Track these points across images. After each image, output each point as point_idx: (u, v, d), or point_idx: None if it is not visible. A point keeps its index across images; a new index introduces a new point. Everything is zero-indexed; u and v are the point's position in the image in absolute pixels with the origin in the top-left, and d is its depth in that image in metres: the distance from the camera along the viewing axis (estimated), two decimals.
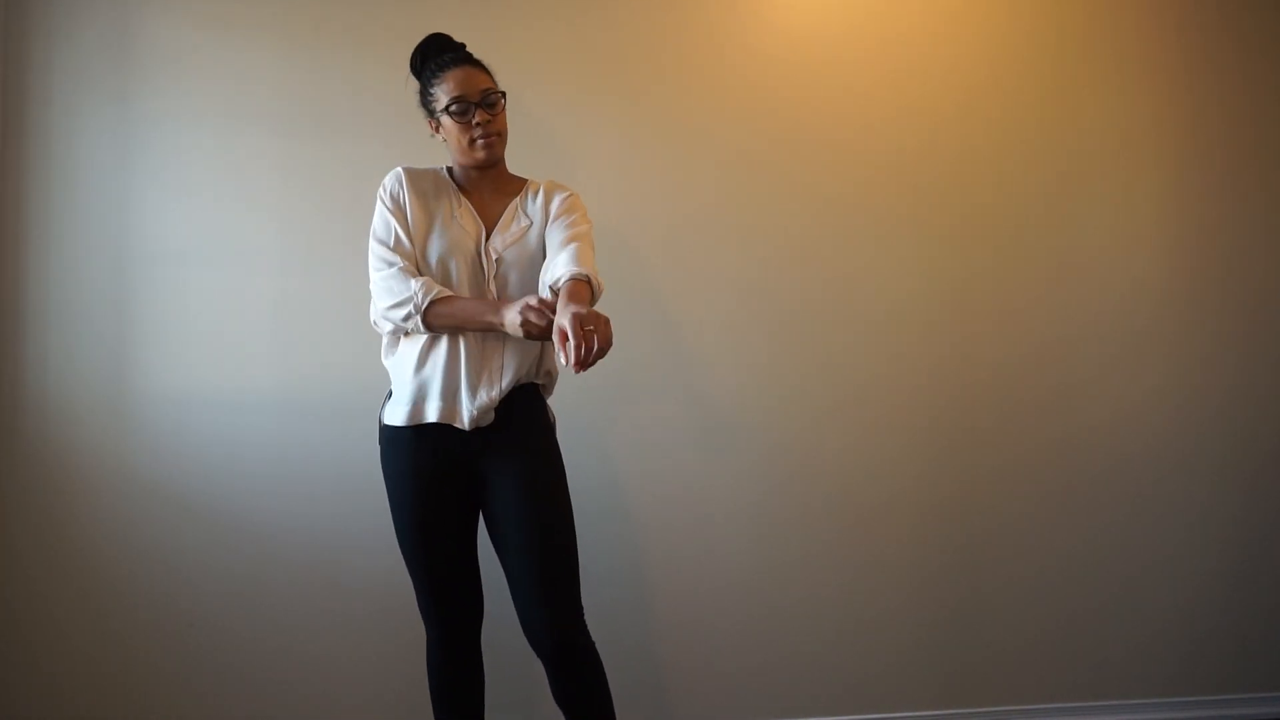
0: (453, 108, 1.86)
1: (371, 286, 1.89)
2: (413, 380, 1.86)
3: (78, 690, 2.31)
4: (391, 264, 1.85)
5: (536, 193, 1.98)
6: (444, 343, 1.85)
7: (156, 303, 2.35)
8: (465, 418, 1.83)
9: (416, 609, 2.39)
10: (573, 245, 1.84)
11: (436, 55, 1.94)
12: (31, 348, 2.32)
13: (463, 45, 1.98)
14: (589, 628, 1.87)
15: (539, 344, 1.89)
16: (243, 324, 2.37)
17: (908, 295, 2.60)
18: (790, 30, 2.58)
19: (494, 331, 1.82)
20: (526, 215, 1.94)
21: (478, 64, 1.93)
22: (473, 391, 1.83)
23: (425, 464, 1.87)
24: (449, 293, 1.83)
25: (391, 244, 1.87)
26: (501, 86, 1.92)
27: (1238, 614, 2.71)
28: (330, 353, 2.39)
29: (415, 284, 1.81)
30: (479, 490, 1.90)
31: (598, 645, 1.88)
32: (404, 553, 1.94)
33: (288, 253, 2.39)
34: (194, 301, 2.36)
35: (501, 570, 1.92)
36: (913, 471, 2.60)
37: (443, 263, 1.87)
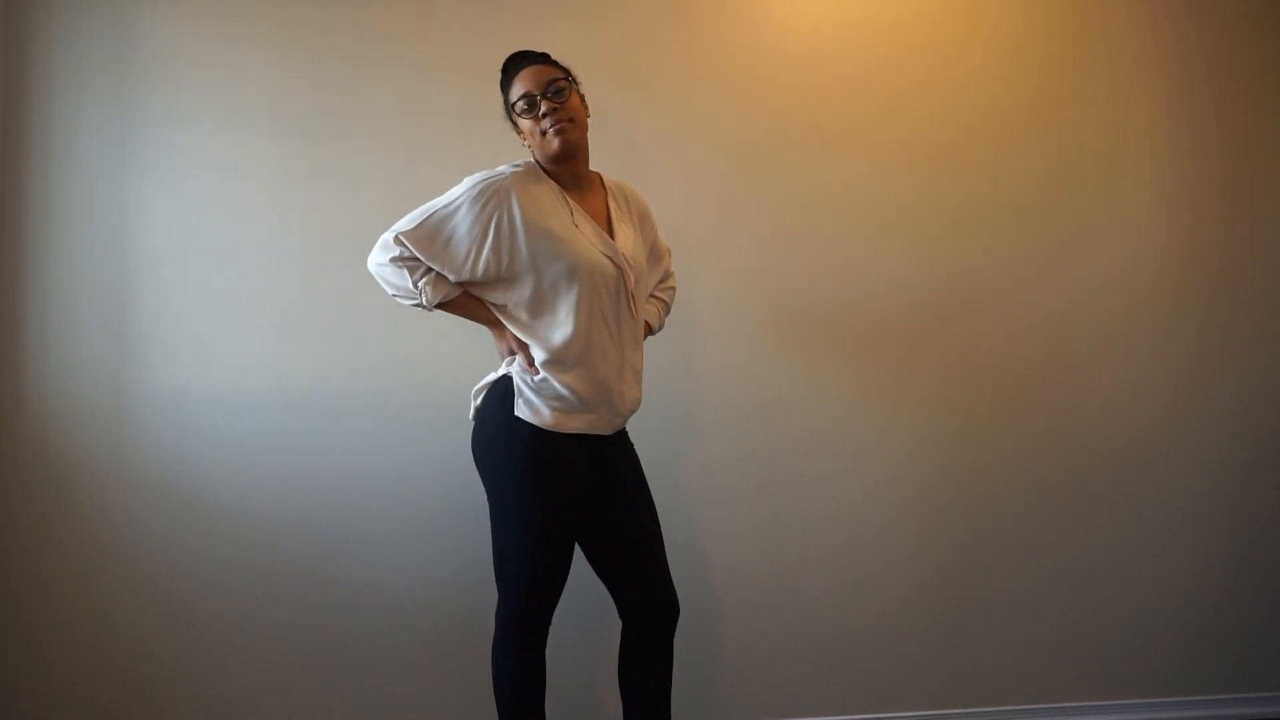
0: (519, 104, 1.88)
1: (377, 251, 1.88)
2: (561, 389, 1.86)
3: (80, 689, 2.31)
4: (408, 258, 1.83)
5: (621, 194, 2.06)
6: (585, 354, 1.86)
7: (156, 303, 2.35)
8: (617, 423, 1.93)
9: (415, 608, 2.40)
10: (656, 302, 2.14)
11: (510, 66, 1.95)
12: (31, 348, 2.32)
13: (545, 55, 1.97)
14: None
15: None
16: (243, 324, 2.37)
17: (905, 291, 2.60)
18: (782, 20, 2.58)
19: (634, 339, 1.94)
20: (627, 220, 2.02)
21: (547, 62, 1.93)
22: (621, 399, 1.92)
23: (560, 464, 1.88)
24: (452, 297, 1.87)
25: (439, 249, 1.83)
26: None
27: (1238, 614, 2.71)
28: (330, 352, 2.39)
29: (419, 282, 1.84)
30: (602, 485, 1.95)
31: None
32: (519, 547, 1.88)
33: (288, 252, 2.39)
34: (194, 301, 2.36)
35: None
36: (909, 468, 2.60)
37: (579, 279, 1.84)
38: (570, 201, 1.92)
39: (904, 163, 2.61)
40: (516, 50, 1.99)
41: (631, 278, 1.90)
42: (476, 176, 1.88)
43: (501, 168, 1.91)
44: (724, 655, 2.52)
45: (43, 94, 2.33)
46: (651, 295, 2.14)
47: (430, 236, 1.83)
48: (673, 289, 2.22)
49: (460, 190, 1.85)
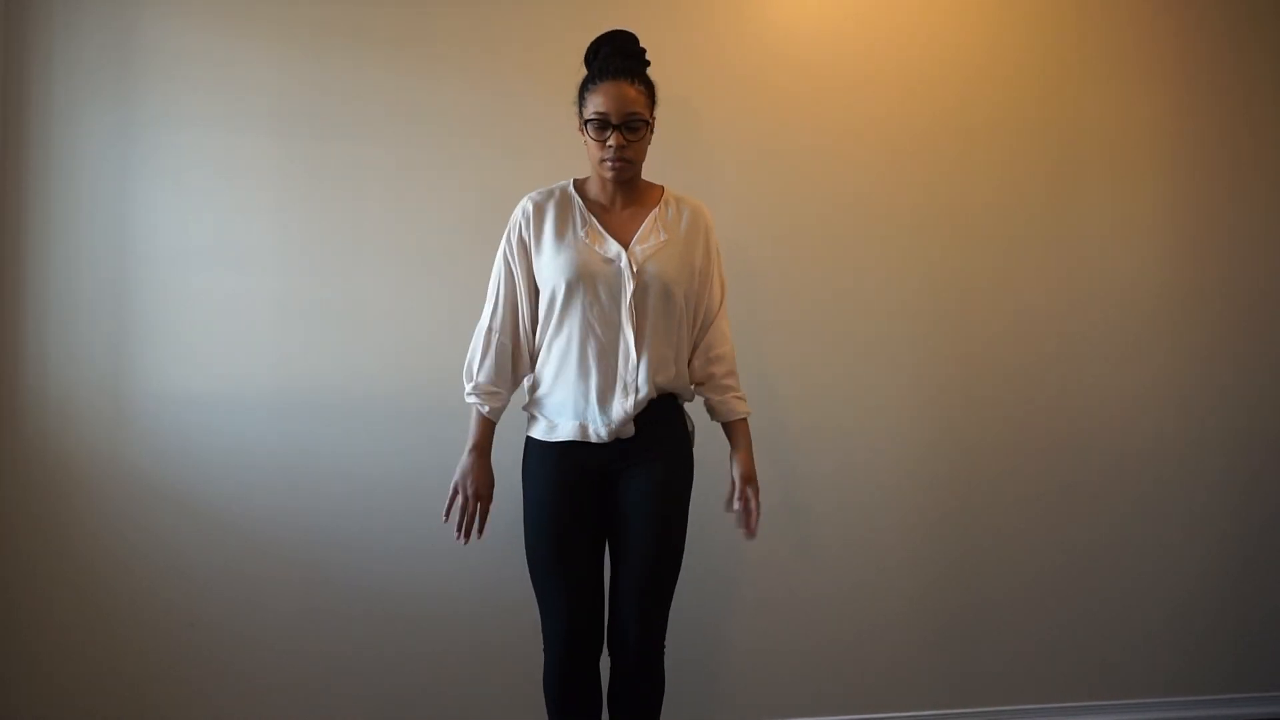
0: (592, 122, 1.83)
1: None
2: (551, 398, 1.89)
3: (78, 690, 2.31)
4: (482, 326, 1.93)
5: (678, 207, 1.95)
6: (574, 361, 1.85)
7: (156, 303, 2.35)
8: (603, 432, 1.84)
9: (415, 610, 2.40)
10: (724, 359, 1.99)
11: (607, 57, 1.87)
12: (31, 347, 2.32)
13: (642, 52, 1.92)
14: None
15: (674, 356, 1.91)
16: (243, 324, 2.37)
17: (908, 296, 2.60)
18: (784, 25, 2.58)
19: (624, 348, 1.85)
20: (665, 230, 1.91)
21: (640, 82, 1.86)
22: (606, 407, 1.84)
23: (566, 476, 1.87)
24: (485, 413, 1.92)
25: (499, 299, 1.92)
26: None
27: (1238, 614, 2.71)
28: (330, 352, 2.39)
29: (471, 396, 1.92)
30: (613, 496, 1.90)
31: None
32: (537, 566, 1.89)
33: (288, 253, 2.39)
34: (194, 301, 2.36)
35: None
36: (911, 469, 2.60)
37: (571, 287, 1.84)
38: (587, 214, 1.91)
39: (908, 164, 2.60)
40: (622, 33, 1.92)
41: (631, 285, 1.84)
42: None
43: (524, 201, 1.94)
44: (724, 655, 2.52)
45: (43, 94, 2.33)
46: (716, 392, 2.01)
47: (490, 299, 1.95)
48: (725, 375, 2.01)
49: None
